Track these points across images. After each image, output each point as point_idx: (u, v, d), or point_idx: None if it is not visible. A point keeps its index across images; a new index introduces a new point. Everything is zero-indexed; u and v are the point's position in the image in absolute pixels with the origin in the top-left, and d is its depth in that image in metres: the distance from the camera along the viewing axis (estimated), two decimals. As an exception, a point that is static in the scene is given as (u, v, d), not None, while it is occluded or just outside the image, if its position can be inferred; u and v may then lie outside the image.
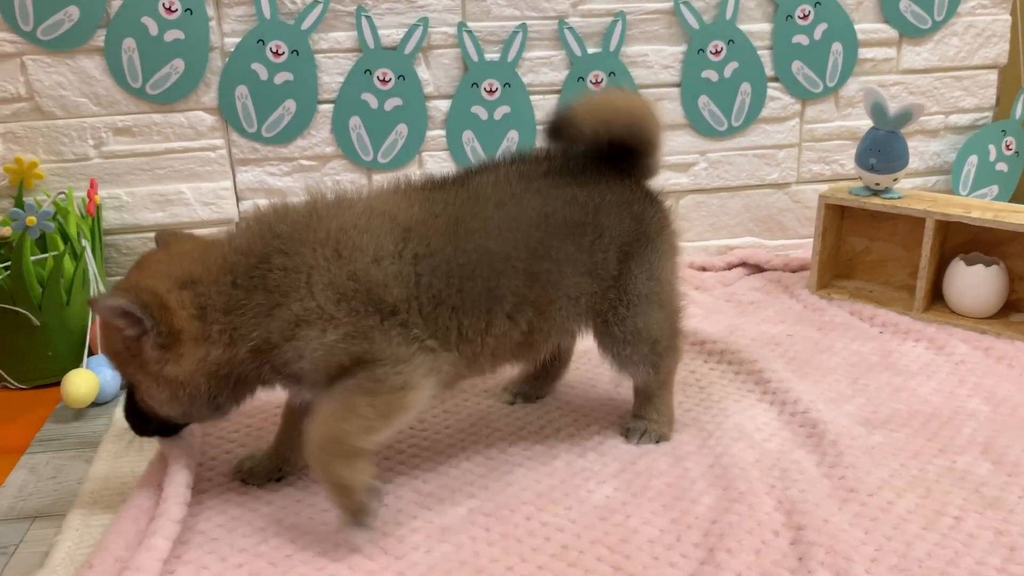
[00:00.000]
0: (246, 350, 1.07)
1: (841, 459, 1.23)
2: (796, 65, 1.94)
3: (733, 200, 2.02)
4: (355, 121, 1.82)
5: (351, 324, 1.06)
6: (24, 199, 1.74)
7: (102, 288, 1.65)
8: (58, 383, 1.56)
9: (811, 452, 1.27)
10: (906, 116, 1.67)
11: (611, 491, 1.19)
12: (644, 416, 1.33)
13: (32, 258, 1.55)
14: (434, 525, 1.13)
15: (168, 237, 1.18)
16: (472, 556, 1.06)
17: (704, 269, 1.99)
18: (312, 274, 1.07)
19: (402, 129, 1.84)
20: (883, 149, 1.71)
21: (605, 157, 1.27)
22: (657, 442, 1.31)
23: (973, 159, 2.05)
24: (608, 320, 1.25)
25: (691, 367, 1.55)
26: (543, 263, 1.17)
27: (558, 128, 1.25)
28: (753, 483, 1.18)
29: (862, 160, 1.74)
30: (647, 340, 1.26)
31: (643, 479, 1.21)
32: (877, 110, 1.70)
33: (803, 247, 2.07)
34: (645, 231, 1.25)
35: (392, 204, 1.16)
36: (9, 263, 1.53)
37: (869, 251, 1.90)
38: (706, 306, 1.82)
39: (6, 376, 1.62)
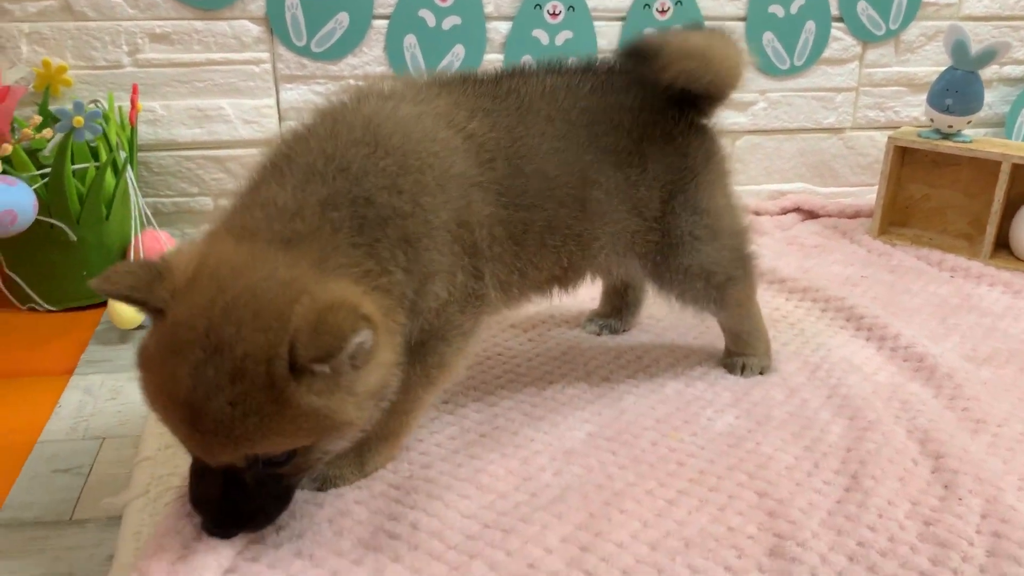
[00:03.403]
0: (405, 316, 0.89)
1: (961, 391, 1.19)
2: (861, 5, 1.89)
3: (788, 143, 1.97)
4: (410, 40, 1.72)
5: (461, 284, 0.94)
6: (49, 107, 1.59)
7: (143, 205, 1.52)
8: (90, 307, 1.45)
9: (925, 385, 1.22)
10: (989, 55, 1.63)
11: (732, 419, 1.13)
12: (739, 352, 1.26)
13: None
14: (555, 448, 1.05)
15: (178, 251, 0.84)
16: (606, 479, 0.99)
17: (758, 213, 1.94)
18: (428, 214, 0.90)
19: (459, 50, 1.74)
20: (961, 90, 1.66)
21: (649, 80, 1.11)
22: (761, 373, 1.25)
23: (1026, 111, 2.03)
24: (654, 262, 1.14)
25: (774, 304, 1.49)
26: (594, 191, 1.05)
27: (638, 56, 1.08)
28: (880, 413, 1.13)
29: (937, 101, 1.70)
30: (699, 276, 1.15)
31: (762, 409, 1.16)
32: (959, 48, 1.65)
33: (854, 195, 2.03)
34: (691, 166, 1.13)
35: (456, 114, 0.98)
36: (46, 171, 1.40)
37: (928, 198, 1.86)
38: (771, 248, 1.76)
39: (36, 297, 1.49)
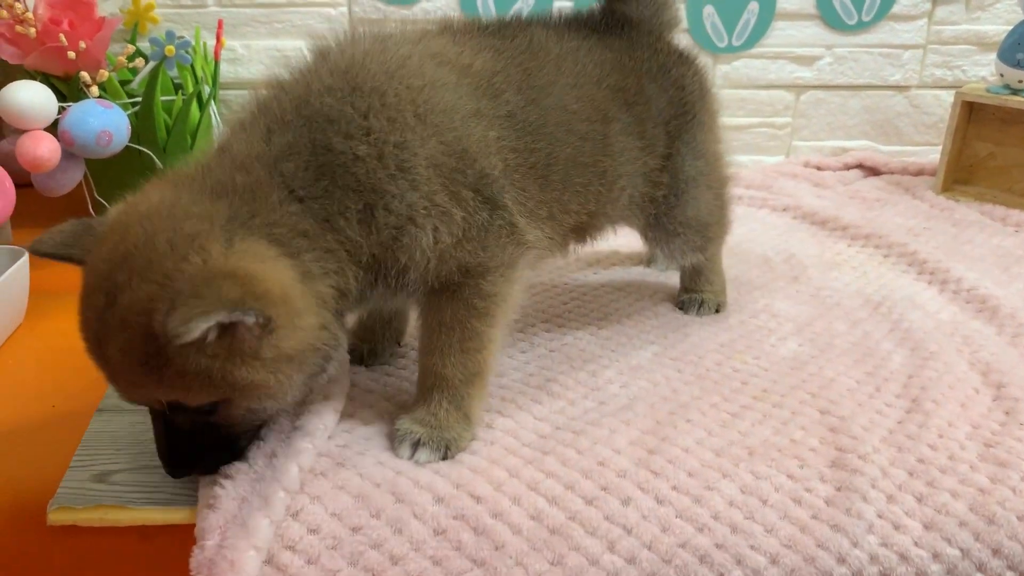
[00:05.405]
0: (359, 273, 0.86)
1: (1023, 330, 1.20)
2: (934, -41, 1.87)
3: (853, 100, 1.97)
4: (482, -15, 1.75)
5: (464, 221, 0.88)
6: (137, 42, 1.66)
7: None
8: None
9: (988, 324, 1.24)
10: (1065, 8, 1.62)
11: (795, 346, 1.16)
12: (696, 289, 1.26)
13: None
14: (622, 364, 1.10)
15: (109, 214, 0.81)
16: (671, 393, 1.03)
17: (820, 168, 1.94)
18: (402, 153, 0.85)
19: (529, -3, 1.77)
20: (1034, 44, 1.65)
21: (628, 18, 1.13)
22: (716, 311, 1.25)
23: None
24: (658, 212, 1.14)
25: (836, 249, 1.51)
26: (613, 126, 1.04)
27: None
28: (942, 345, 1.15)
29: (1008, 56, 1.69)
30: (697, 228, 1.17)
31: (825, 337, 1.18)
32: (1034, 1, 1.64)
33: (917, 155, 2.02)
34: (688, 100, 1.13)
35: (453, 51, 0.95)
36: (136, 99, 1.47)
37: (994, 156, 1.85)
38: (832, 200, 1.77)
39: (122, 222, 1.57)
